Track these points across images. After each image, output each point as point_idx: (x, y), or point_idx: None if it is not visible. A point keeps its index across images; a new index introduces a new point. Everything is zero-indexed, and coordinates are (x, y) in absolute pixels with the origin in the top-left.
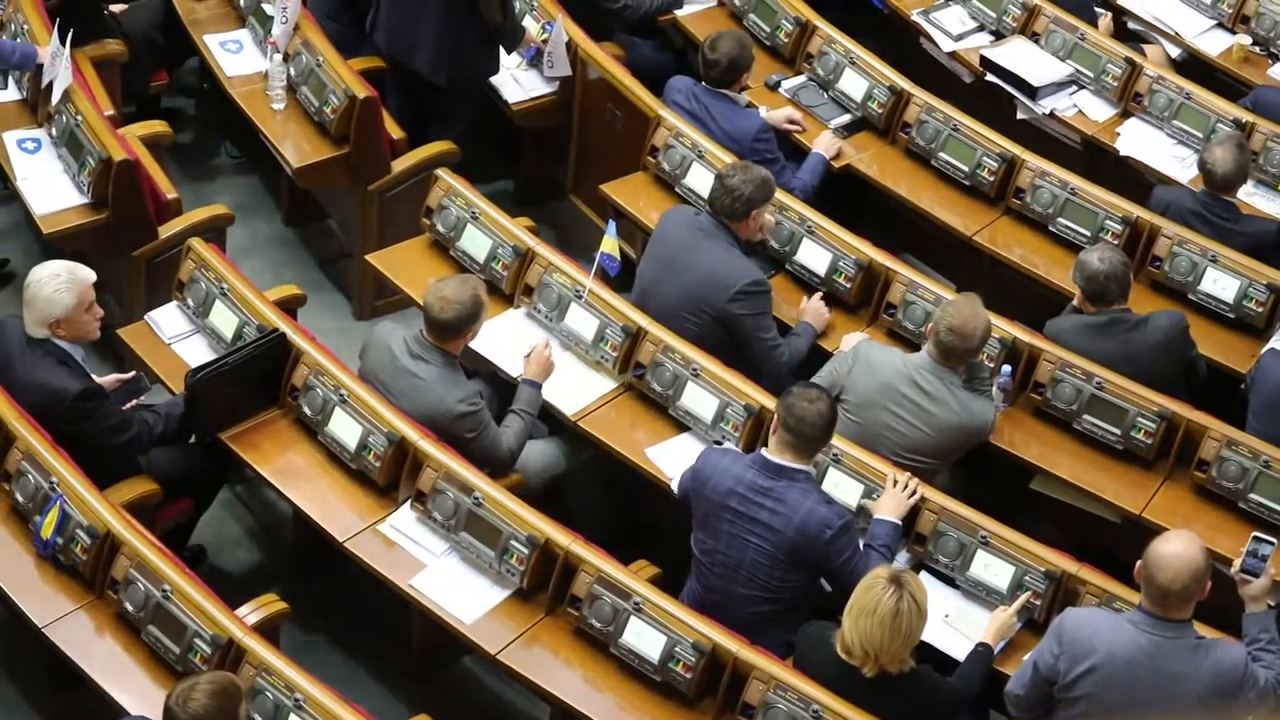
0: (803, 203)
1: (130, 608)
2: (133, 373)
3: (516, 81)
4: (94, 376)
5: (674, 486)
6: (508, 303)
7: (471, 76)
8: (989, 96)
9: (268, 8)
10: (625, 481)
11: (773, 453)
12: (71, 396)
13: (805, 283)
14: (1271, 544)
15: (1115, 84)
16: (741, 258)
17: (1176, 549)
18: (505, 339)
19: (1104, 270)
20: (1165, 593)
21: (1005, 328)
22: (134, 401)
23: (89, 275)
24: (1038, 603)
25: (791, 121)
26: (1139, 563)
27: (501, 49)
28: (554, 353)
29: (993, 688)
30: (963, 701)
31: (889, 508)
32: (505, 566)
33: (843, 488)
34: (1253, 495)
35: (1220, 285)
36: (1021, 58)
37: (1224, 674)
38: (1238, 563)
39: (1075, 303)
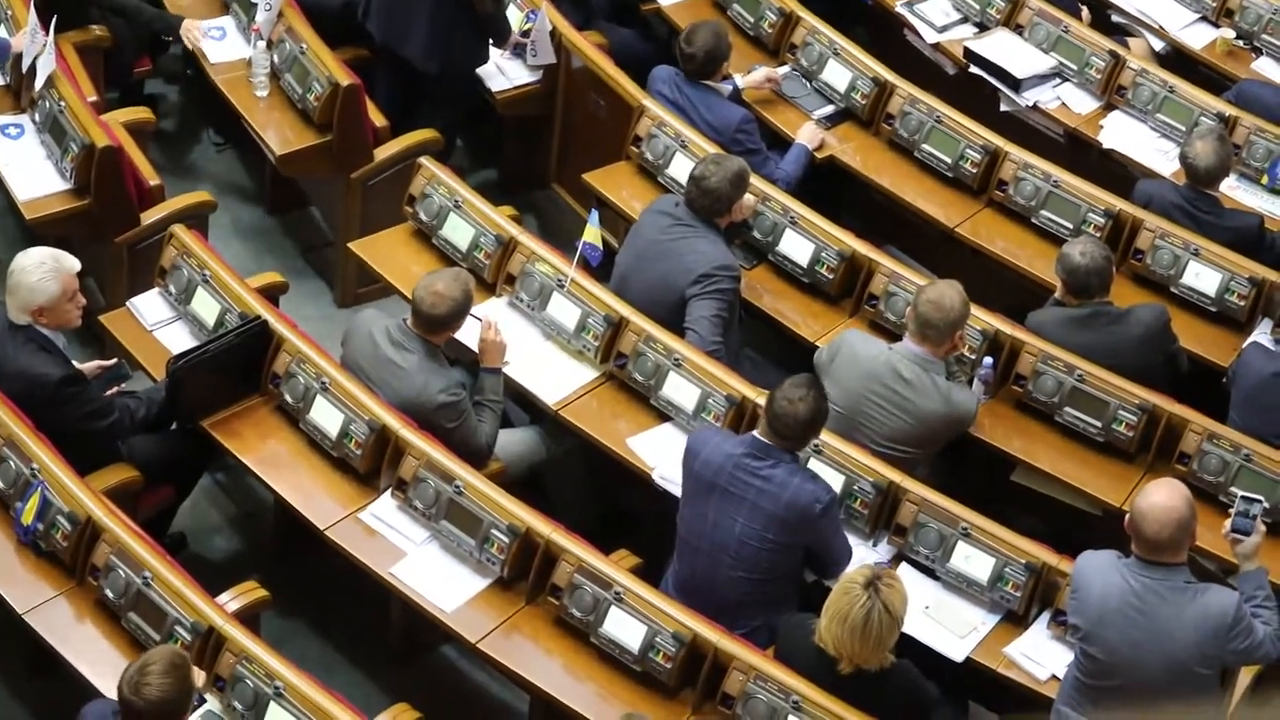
0: (785, 193)
1: (111, 595)
2: (114, 359)
3: (500, 70)
4: (75, 363)
5: (655, 476)
6: (490, 291)
7: (462, 66)
8: (972, 88)
9: None
10: (606, 471)
11: (762, 435)
12: (53, 383)
13: (788, 274)
14: (1260, 501)
15: (1099, 77)
16: (718, 244)
17: (1159, 500)
18: None
19: (1084, 264)
20: (1153, 544)
21: (987, 319)
22: (115, 388)
23: (74, 264)
24: (1018, 594)
25: (770, 79)
26: (1128, 515)
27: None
28: (534, 339)
29: (973, 680)
30: (937, 698)
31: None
32: (486, 555)
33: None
34: (1234, 488)
35: (1202, 279)
36: (1005, 50)
37: (1210, 617)
38: (1228, 523)
39: (1058, 295)
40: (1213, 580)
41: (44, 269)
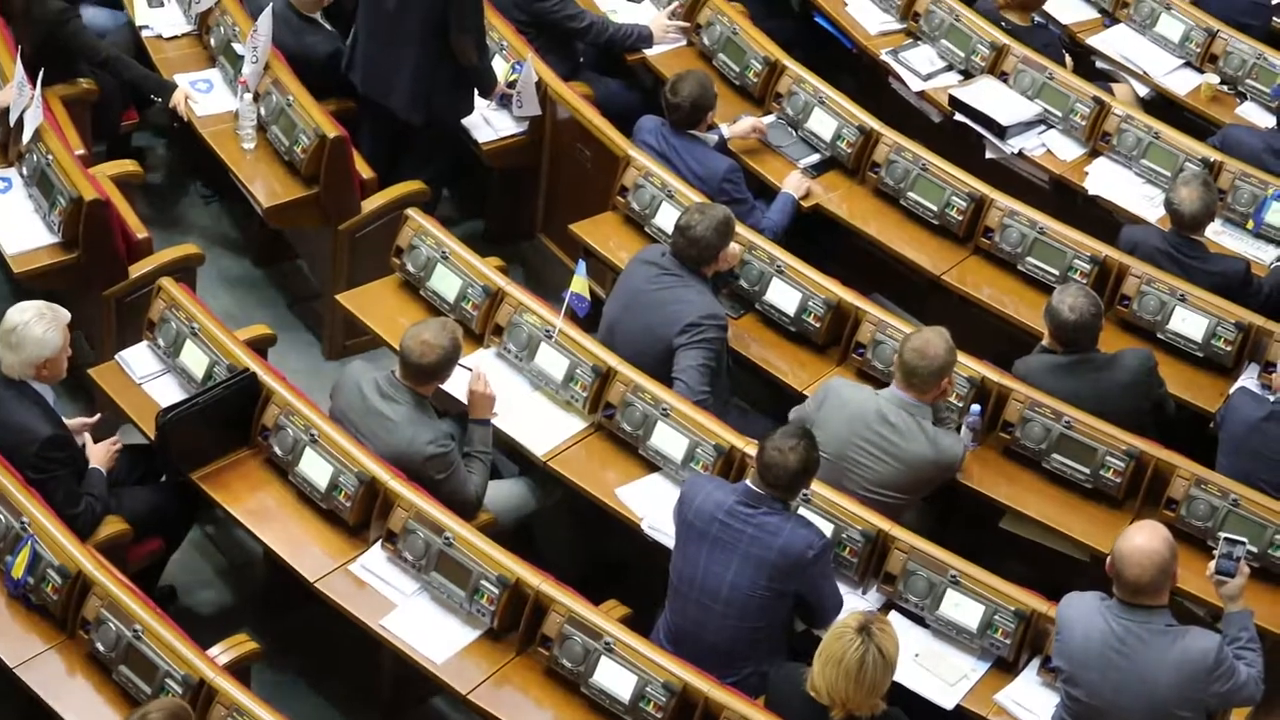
0: (772, 242)
1: (101, 648)
2: (97, 415)
3: (486, 121)
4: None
5: (644, 526)
6: (478, 342)
7: (446, 117)
8: (958, 136)
9: (238, 47)
10: (596, 521)
11: (754, 484)
12: (40, 439)
13: (775, 322)
14: (1243, 543)
15: (1084, 123)
16: (706, 295)
17: (1139, 543)
18: None
19: (1073, 320)
20: (1134, 587)
21: (974, 367)
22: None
23: (66, 313)
24: (1007, 641)
25: (755, 129)
26: (1109, 558)
27: (476, 92)
28: (522, 390)
29: None
30: None
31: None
32: (476, 606)
33: None
34: (1221, 533)
35: (1189, 324)
36: (990, 97)
37: (1191, 659)
38: (1212, 565)
39: (1045, 342)
40: (1200, 624)
41: (46, 320)
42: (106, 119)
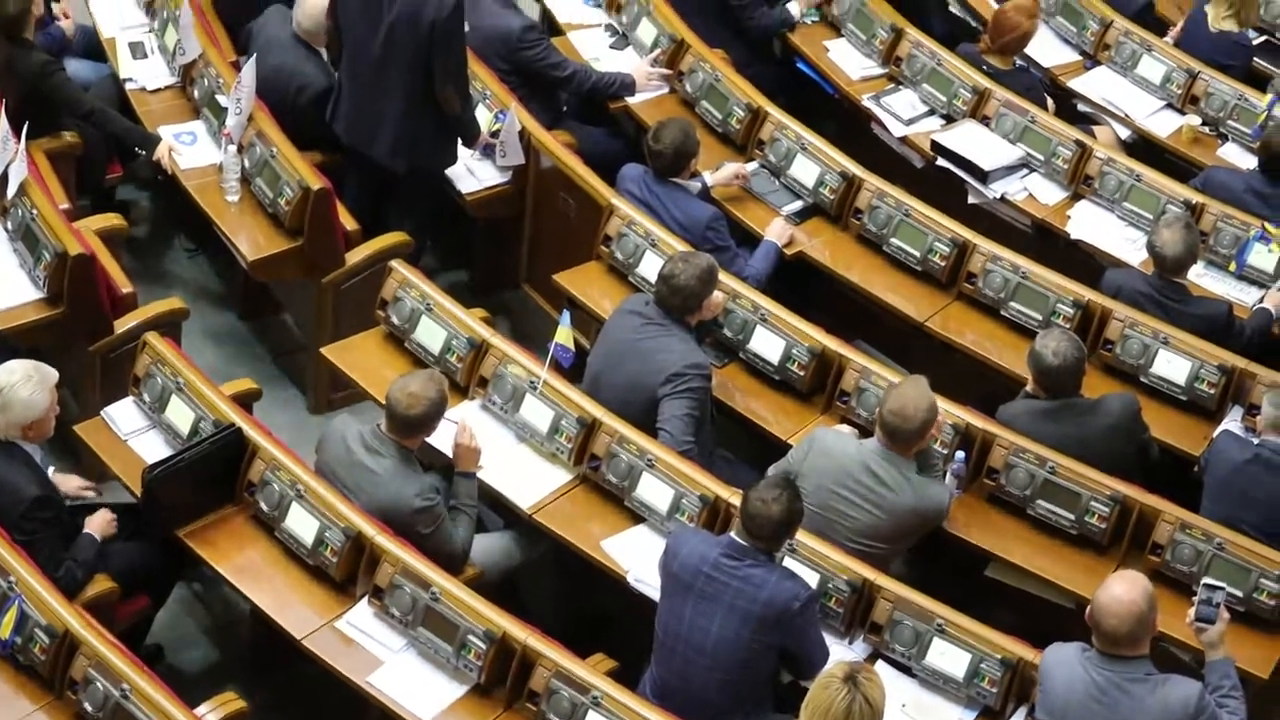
0: (756, 290)
1: (90, 708)
2: (101, 491)
3: (470, 171)
4: (54, 476)
5: (630, 579)
6: (463, 395)
7: (429, 166)
8: (940, 181)
9: (221, 99)
10: (582, 574)
11: (738, 535)
12: (29, 499)
13: (759, 371)
14: (1223, 589)
15: (1066, 166)
16: (689, 343)
17: (1117, 594)
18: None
19: (1057, 365)
20: (1112, 638)
21: (958, 413)
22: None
23: (54, 374)
24: (994, 690)
25: (738, 176)
26: (1088, 608)
27: (459, 142)
28: (508, 442)
29: None
30: None
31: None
32: (463, 661)
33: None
34: (1207, 578)
35: (1172, 367)
36: (972, 141)
37: (1171, 708)
38: (1192, 612)
39: (1029, 388)
40: (1187, 671)
41: (33, 382)
42: (91, 173)
